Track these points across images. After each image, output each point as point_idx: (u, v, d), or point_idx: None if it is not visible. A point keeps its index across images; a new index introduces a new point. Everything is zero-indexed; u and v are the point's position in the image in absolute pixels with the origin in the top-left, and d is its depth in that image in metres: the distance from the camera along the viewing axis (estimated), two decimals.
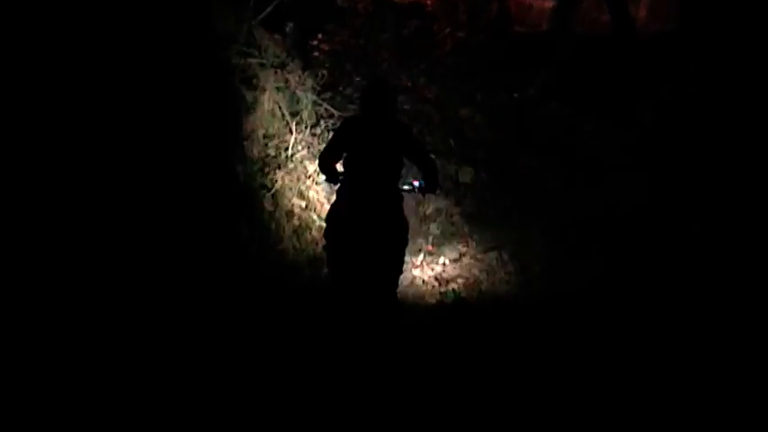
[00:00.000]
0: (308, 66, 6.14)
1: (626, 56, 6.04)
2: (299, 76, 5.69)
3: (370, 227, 3.07)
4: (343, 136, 3.29)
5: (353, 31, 10.06)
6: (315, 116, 5.69)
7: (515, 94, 7.51)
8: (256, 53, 5.35)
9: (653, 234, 5.15)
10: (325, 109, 5.89)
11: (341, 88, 6.49)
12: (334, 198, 3.35)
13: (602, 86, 6.49)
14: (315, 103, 5.75)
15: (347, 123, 3.54)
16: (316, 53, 6.54)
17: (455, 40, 10.42)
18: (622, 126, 6.09)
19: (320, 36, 9.01)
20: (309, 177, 5.23)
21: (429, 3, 13.48)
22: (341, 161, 3.28)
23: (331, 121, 5.77)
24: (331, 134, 4.55)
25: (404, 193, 3.26)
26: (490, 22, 9.06)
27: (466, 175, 6.33)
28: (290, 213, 4.83)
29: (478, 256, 5.27)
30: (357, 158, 3.19)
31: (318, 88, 5.97)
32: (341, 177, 3.22)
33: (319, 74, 6.16)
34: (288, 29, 6.03)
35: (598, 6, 6.61)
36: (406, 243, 3.22)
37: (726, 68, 5.59)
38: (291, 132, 5.25)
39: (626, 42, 5.87)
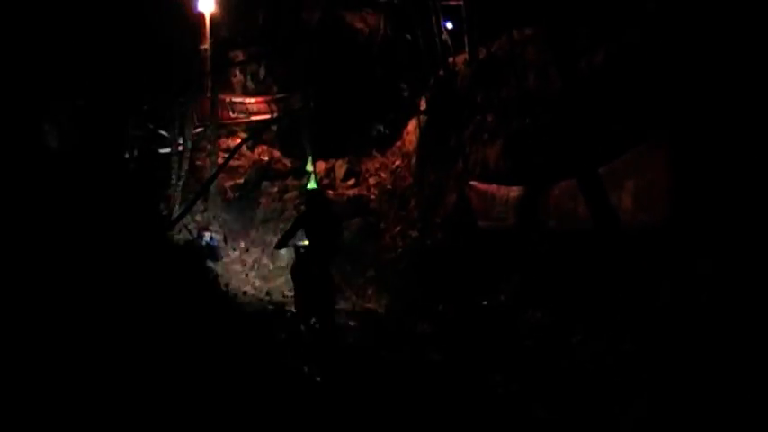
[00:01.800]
0: None
1: (610, 253, 6.81)
2: None
3: (317, 273, 7.20)
4: (300, 224, 7.51)
5: None
6: None
7: (484, 302, 8.09)
8: None
9: None
10: None
11: None
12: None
13: (587, 290, 7.18)
14: None
15: (302, 217, 7.75)
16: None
17: (407, 240, 11.85)
18: (617, 338, 6.55)
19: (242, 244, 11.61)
20: None
21: (372, 197, 15.91)
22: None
23: None
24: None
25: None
26: (447, 216, 10.72)
27: None
28: None
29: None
30: (311, 236, 7.32)
31: None
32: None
33: None
34: None
35: (572, 195, 7.64)
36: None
37: (732, 263, 6.35)
38: None
39: (609, 237, 6.67)
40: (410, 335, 7.89)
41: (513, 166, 9.19)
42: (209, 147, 14.96)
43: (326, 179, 17.40)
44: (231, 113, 17.05)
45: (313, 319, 7.31)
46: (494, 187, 8.94)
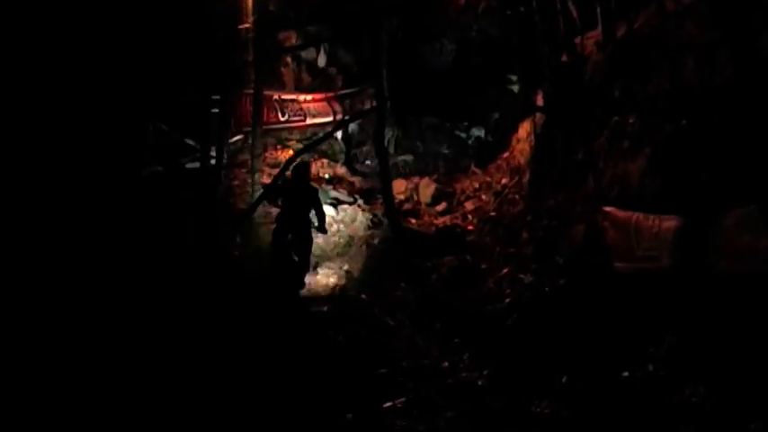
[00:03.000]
0: None
1: None
2: None
3: (293, 238, 11.76)
4: (280, 190, 12.33)
5: None
6: None
7: (625, 373, 8.00)
8: None
9: None
10: None
11: None
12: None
13: None
14: None
15: (283, 184, 12.61)
16: None
17: (517, 287, 11.72)
18: None
19: None
20: None
21: (470, 228, 15.68)
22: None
23: None
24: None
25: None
26: (573, 255, 10.54)
27: None
28: None
29: None
30: (288, 203, 11.78)
31: None
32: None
33: None
34: None
35: (751, 227, 7.42)
36: (310, 248, 12.20)
37: None
38: None
39: None
40: (523, 417, 7.87)
41: (665, 187, 9.06)
42: (251, 161, 15.26)
43: (408, 203, 17.53)
44: (281, 115, 17.43)
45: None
46: (638, 216, 8.83)
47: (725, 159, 7.78)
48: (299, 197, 11.70)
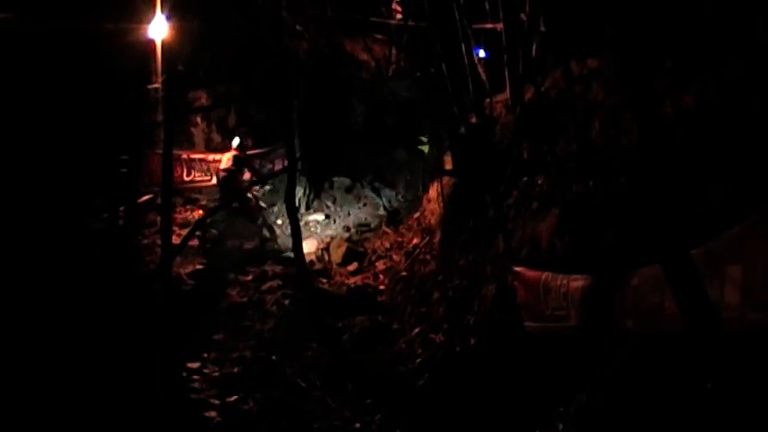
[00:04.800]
0: None
1: (711, 365, 6.66)
2: None
3: None
4: None
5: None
6: None
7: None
8: None
9: None
10: None
11: None
12: None
13: (680, 415, 6.98)
14: None
15: None
16: None
17: (429, 348, 11.67)
18: None
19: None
20: None
21: (382, 288, 15.60)
22: None
23: None
24: None
25: None
26: (483, 315, 10.53)
27: None
28: None
29: None
30: None
31: None
32: None
33: None
34: None
35: (656, 286, 7.52)
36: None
37: None
38: None
39: (707, 343, 6.51)
40: None
41: (573, 246, 9.15)
42: (159, 220, 14.99)
43: (319, 263, 17.40)
44: (190, 175, 17.19)
45: None
46: (548, 275, 8.86)
47: (631, 219, 7.89)
48: None
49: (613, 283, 7.91)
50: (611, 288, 7.94)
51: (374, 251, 17.40)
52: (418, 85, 17.05)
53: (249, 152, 18.25)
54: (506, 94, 12.70)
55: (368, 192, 20.74)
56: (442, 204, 14.31)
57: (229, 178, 17.11)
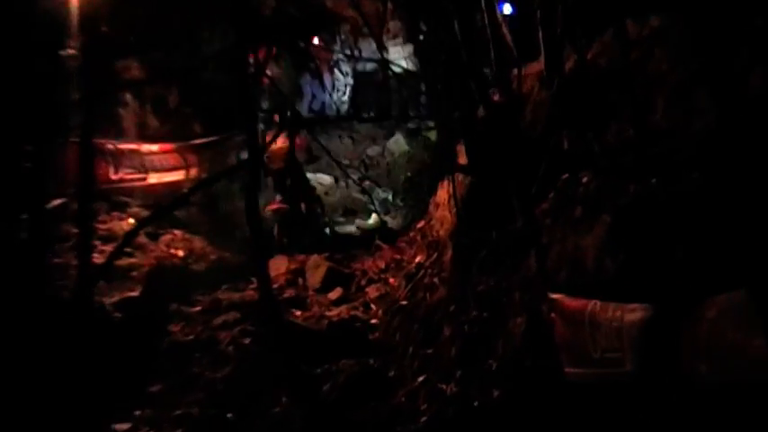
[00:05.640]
0: None
1: None
2: None
3: None
4: None
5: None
6: None
7: None
8: None
9: None
10: None
11: None
12: None
13: None
14: None
15: None
16: None
17: (437, 401, 11.60)
18: None
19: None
20: None
21: (374, 322, 15.44)
22: None
23: None
24: None
25: None
26: (509, 357, 10.44)
27: None
28: None
29: None
30: None
31: None
32: None
33: None
34: None
35: (739, 321, 7.45)
36: None
37: None
38: None
39: None
40: None
41: (629, 266, 9.13)
42: (76, 232, 14.95)
43: (291, 288, 17.43)
44: (115, 172, 17.16)
45: None
46: (595, 305, 8.82)
47: (707, 229, 7.88)
48: None
49: (683, 316, 7.90)
50: (679, 322, 7.93)
51: (364, 273, 17.43)
52: (422, 51, 17.08)
53: (196, 142, 18.18)
54: (540, 64, 12.67)
55: (354, 194, 20.77)
56: (454, 211, 14.30)
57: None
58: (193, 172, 17.79)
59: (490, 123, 13.06)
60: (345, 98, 21.28)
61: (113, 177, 17.28)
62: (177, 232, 18.33)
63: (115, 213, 17.93)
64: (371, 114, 21.48)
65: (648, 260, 8.86)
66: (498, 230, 12.15)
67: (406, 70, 19.39)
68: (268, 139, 17.11)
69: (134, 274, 16.46)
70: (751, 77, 7.59)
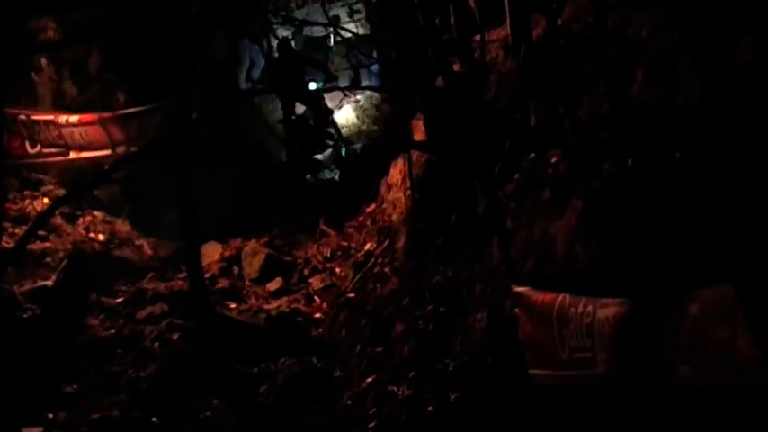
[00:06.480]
0: None
1: None
2: None
3: None
4: None
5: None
6: None
7: None
8: None
9: None
10: None
11: None
12: None
13: None
14: None
15: None
16: None
17: (387, 405, 11.52)
18: None
19: None
20: None
21: (318, 316, 15.45)
22: None
23: None
24: None
25: None
26: (470, 357, 10.47)
27: None
28: None
29: None
30: None
31: None
32: None
33: None
34: None
35: (724, 316, 7.46)
36: None
37: None
38: None
39: None
40: None
41: (603, 256, 9.14)
42: None
43: (225, 278, 17.34)
44: (30, 146, 16.96)
45: None
46: (564, 299, 8.82)
47: (689, 216, 7.88)
48: None
49: (662, 312, 7.91)
50: (657, 319, 7.94)
51: (307, 261, 17.42)
52: (374, 14, 17.00)
53: (119, 112, 17.96)
54: (506, 30, 12.64)
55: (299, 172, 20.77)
56: (408, 193, 14.29)
57: None
58: (120, 147, 17.55)
59: (450, 96, 13.05)
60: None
61: (32, 151, 17.03)
62: (97, 214, 18.15)
63: (27, 192, 17.66)
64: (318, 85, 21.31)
65: (624, 249, 8.87)
66: (458, 215, 12.13)
67: (355, 35, 19.30)
68: None
69: (48, 260, 16.33)
70: (740, 47, 7.58)
